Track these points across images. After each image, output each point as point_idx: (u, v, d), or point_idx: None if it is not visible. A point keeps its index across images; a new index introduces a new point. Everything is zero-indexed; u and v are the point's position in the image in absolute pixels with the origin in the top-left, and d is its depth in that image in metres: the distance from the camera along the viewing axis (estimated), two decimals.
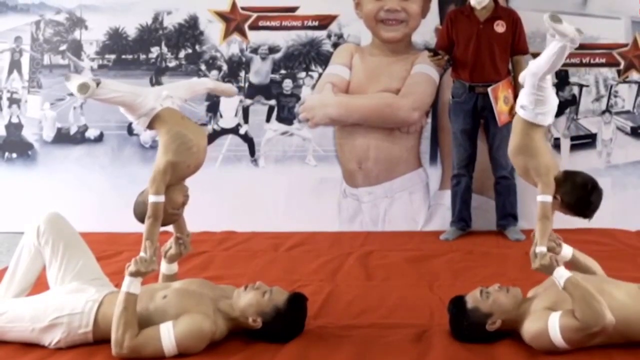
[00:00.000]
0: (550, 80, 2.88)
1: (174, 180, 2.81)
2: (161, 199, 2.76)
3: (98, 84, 2.80)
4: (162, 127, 2.87)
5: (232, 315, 2.78)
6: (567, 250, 2.93)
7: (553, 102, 2.89)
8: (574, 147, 4.79)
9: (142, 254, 2.71)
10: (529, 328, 2.65)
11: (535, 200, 4.59)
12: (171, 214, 2.83)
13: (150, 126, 2.92)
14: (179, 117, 2.93)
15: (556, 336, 2.58)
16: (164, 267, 3.00)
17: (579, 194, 2.85)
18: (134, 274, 2.67)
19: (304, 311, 2.88)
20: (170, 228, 2.98)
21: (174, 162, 2.79)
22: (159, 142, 2.90)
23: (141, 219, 2.82)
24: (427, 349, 2.74)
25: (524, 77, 2.89)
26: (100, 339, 2.73)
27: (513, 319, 2.72)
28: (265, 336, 2.79)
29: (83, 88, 2.75)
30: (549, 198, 2.81)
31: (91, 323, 2.73)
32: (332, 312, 3.20)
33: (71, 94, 5.00)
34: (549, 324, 2.59)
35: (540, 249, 2.74)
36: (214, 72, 4.95)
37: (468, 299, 2.78)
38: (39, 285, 2.99)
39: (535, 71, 2.81)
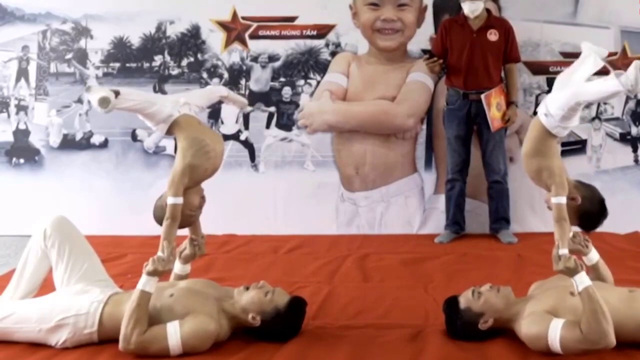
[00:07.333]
0: (583, 105, 2.85)
1: (191, 183, 2.87)
2: (179, 200, 2.81)
3: (117, 94, 2.84)
4: (180, 133, 2.93)
5: (234, 313, 2.81)
6: (594, 255, 2.92)
7: (575, 122, 2.87)
8: (564, 153, 4.69)
9: (159, 253, 2.75)
10: (528, 329, 2.66)
11: (527, 204, 4.79)
12: (188, 215, 2.89)
13: (170, 132, 2.97)
14: (197, 123, 2.99)
15: (554, 343, 2.59)
16: (177, 267, 3.04)
17: (597, 207, 2.86)
18: (152, 273, 2.71)
19: (302, 315, 2.92)
20: (185, 231, 3.02)
21: (192, 165, 2.85)
22: (177, 147, 2.96)
23: (160, 222, 2.87)
24: (422, 349, 2.77)
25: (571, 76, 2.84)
26: (105, 339, 2.77)
27: (505, 318, 2.76)
28: (263, 335, 2.83)
29: (104, 102, 2.79)
30: (563, 200, 2.76)
31: (96, 323, 2.76)
32: (330, 312, 3.23)
33: (77, 101, 5.10)
34: (549, 330, 2.60)
35: (563, 251, 2.68)
36: (216, 80, 4.97)
37: (461, 299, 2.82)
38: (46, 286, 3.01)
39: (579, 95, 2.75)
